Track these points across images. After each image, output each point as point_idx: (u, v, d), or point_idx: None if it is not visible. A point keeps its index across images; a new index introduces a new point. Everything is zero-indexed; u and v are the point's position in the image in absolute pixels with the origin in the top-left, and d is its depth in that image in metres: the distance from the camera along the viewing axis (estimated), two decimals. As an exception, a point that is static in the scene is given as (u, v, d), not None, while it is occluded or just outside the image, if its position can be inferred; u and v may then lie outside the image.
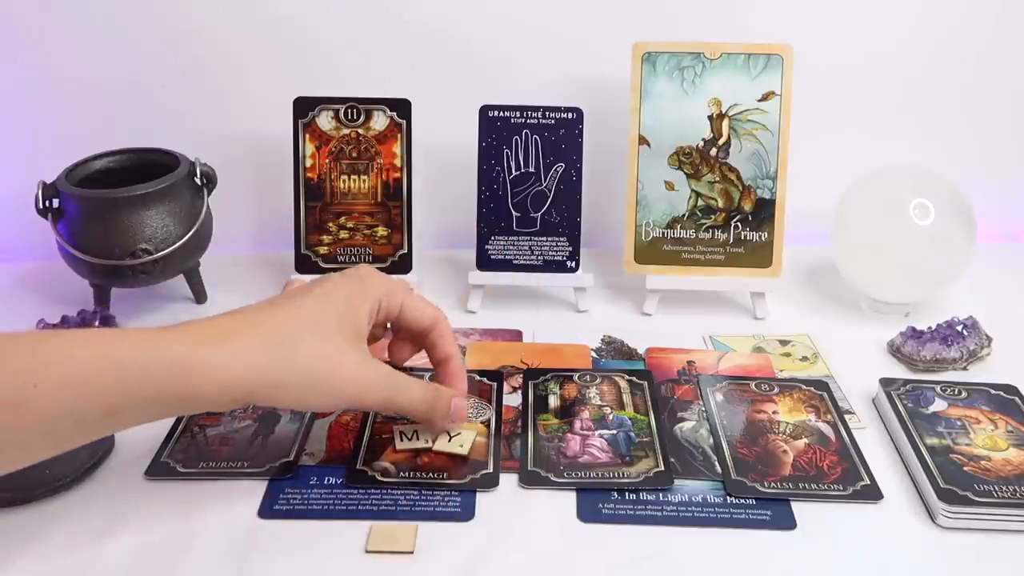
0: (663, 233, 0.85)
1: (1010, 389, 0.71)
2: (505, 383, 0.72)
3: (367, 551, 0.56)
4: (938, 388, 0.70)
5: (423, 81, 0.91)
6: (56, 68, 0.91)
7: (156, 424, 0.65)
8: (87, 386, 0.47)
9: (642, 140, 0.84)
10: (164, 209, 0.80)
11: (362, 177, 0.85)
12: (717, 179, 0.84)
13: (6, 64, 0.90)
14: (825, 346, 0.80)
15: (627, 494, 0.61)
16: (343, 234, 0.85)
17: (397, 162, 0.84)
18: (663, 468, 0.63)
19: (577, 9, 0.91)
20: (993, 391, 0.70)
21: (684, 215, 0.85)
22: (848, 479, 0.62)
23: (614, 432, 0.66)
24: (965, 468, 0.62)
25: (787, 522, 0.59)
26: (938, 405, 0.69)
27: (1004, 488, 0.60)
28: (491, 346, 0.79)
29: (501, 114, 0.84)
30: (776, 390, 0.72)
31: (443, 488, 0.61)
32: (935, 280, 0.83)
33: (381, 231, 0.85)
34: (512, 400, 0.71)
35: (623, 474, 0.62)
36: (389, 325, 0.64)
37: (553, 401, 0.70)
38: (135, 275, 0.79)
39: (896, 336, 0.79)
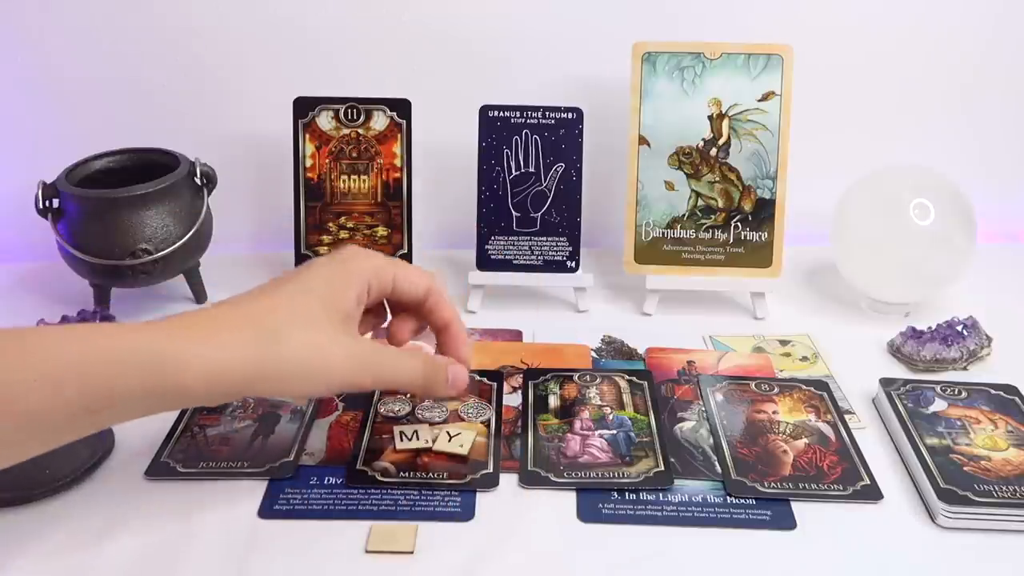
0: (663, 233, 0.85)
1: (1010, 389, 0.71)
2: (505, 383, 0.72)
3: (367, 551, 0.56)
4: (938, 388, 0.70)
5: (423, 81, 0.91)
6: (56, 68, 0.91)
7: (156, 424, 0.66)
8: (69, 382, 0.46)
9: (642, 140, 0.84)
10: (164, 209, 0.80)
11: (362, 177, 0.85)
12: (717, 179, 0.84)
13: (6, 64, 0.90)
14: (825, 346, 0.80)
15: (627, 494, 0.61)
16: (343, 234, 0.85)
17: (397, 162, 0.84)
18: (663, 468, 0.63)
19: (577, 9, 0.91)
20: (993, 391, 0.70)
21: (684, 215, 0.85)
22: (848, 479, 0.62)
23: (614, 432, 0.66)
24: (965, 468, 0.62)
25: (787, 522, 0.59)
26: (938, 405, 0.69)
27: (1004, 488, 0.60)
28: (491, 346, 0.79)
29: (501, 114, 0.84)
30: (776, 390, 0.72)
31: (443, 488, 0.61)
32: (935, 280, 0.83)
33: (381, 231, 0.85)
34: (512, 400, 0.71)
35: (623, 474, 0.62)
36: (386, 302, 0.63)
37: (553, 401, 0.70)
38: (135, 275, 0.79)
39: (896, 336, 0.79)
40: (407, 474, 0.62)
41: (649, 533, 0.58)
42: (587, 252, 0.88)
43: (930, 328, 0.78)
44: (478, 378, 0.73)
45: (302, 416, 0.68)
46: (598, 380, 0.72)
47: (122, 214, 0.78)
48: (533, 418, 0.68)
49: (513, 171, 0.84)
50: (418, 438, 0.65)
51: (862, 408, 0.71)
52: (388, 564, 0.55)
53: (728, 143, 0.84)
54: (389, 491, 0.60)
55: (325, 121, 0.84)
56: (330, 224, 0.85)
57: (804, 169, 0.86)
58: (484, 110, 0.84)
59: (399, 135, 0.84)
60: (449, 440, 0.64)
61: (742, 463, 0.64)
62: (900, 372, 0.76)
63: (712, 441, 0.66)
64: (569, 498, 0.61)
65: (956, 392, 0.70)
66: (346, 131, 0.84)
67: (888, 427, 0.69)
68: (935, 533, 0.59)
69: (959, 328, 0.77)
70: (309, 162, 0.84)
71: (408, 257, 0.85)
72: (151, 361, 0.48)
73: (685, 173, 0.84)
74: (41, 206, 0.79)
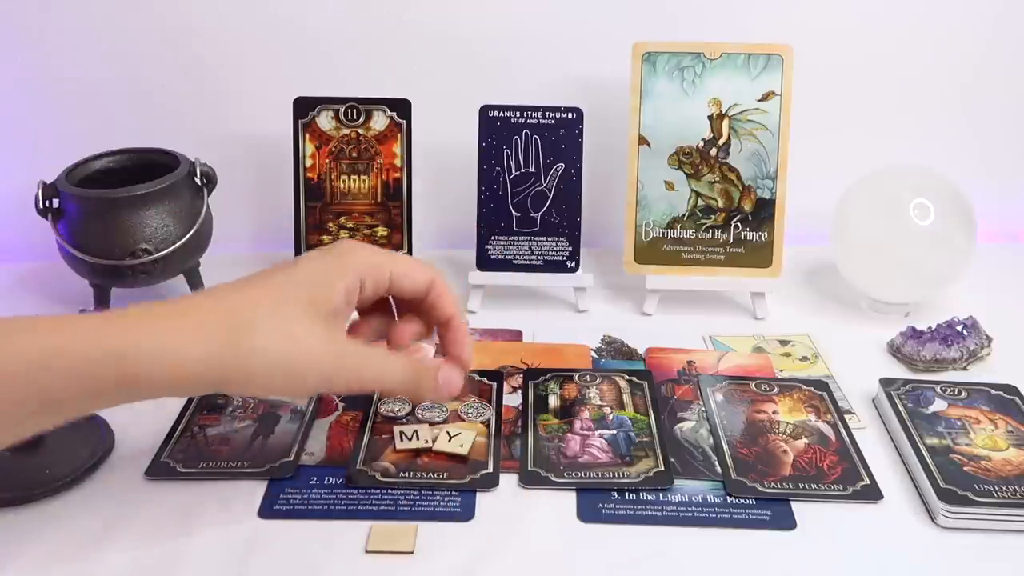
0: (663, 233, 0.85)
1: (1010, 389, 0.71)
2: (505, 383, 0.72)
3: (367, 551, 0.56)
4: (938, 388, 0.70)
5: (423, 81, 0.91)
6: (56, 68, 0.91)
7: (156, 424, 0.66)
8: (21, 378, 0.45)
9: (642, 140, 0.84)
10: (164, 209, 0.80)
11: (362, 177, 0.85)
12: (717, 179, 0.84)
13: (6, 64, 0.90)
14: (825, 346, 0.80)
15: (627, 494, 0.61)
16: (343, 234, 0.85)
17: (397, 162, 0.84)
18: (663, 468, 0.63)
19: (577, 9, 0.91)
20: (993, 391, 0.70)
21: (684, 215, 0.85)
22: (848, 479, 0.62)
23: (614, 432, 0.66)
24: (965, 468, 0.62)
25: (787, 522, 0.59)
26: (938, 405, 0.69)
27: (1004, 488, 0.60)
28: (491, 346, 0.79)
29: (501, 114, 0.84)
30: (776, 390, 0.72)
31: (443, 488, 0.61)
32: (935, 280, 0.83)
33: (381, 231, 0.85)
34: (512, 400, 0.71)
35: (623, 474, 0.62)
36: (392, 302, 0.61)
37: (553, 401, 0.70)
38: (135, 275, 0.79)
39: (896, 336, 0.79)
40: (407, 474, 0.62)
41: (649, 533, 0.58)
42: (587, 252, 0.88)
43: (930, 328, 0.78)
44: (478, 378, 0.73)
45: (302, 416, 0.68)
46: (598, 380, 0.72)
47: (122, 214, 0.78)
48: (533, 418, 0.68)
49: (513, 171, 0.84)
50: (418, 438, 0.65)
51: (862, 408, 0.71)
52: (388, 564, 0.55)
53: (728, 143, 0.84)
54: (389, 491, 0.61)
55: (325, 121, 0.84)
56: (330, 224, 0.85)
57: (804, 169, 0.86)
58: (484, 110, 0.84)
59: (399, 135, 0.84)
60: (449, 440, 0.64)
61: (742, 463, 0.64)
62: (900, 372, 0.76)
63: (712, 441, 0.66)
64: (569, 498, 0.61)
65: (956, 392, 0.70)
66: (346, 131, 0.84)
67: (888, 427, 0.69)
68: (935, 533, 0.59)
69: (959, 328, 0.77)
70: (309, 162, 0.84)
71: (408, 257, 0.85)
72: (114, 361, 0.47)
73: (685, 173, 0.84)
74: (41, 206, 0.79)
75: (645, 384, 0.72)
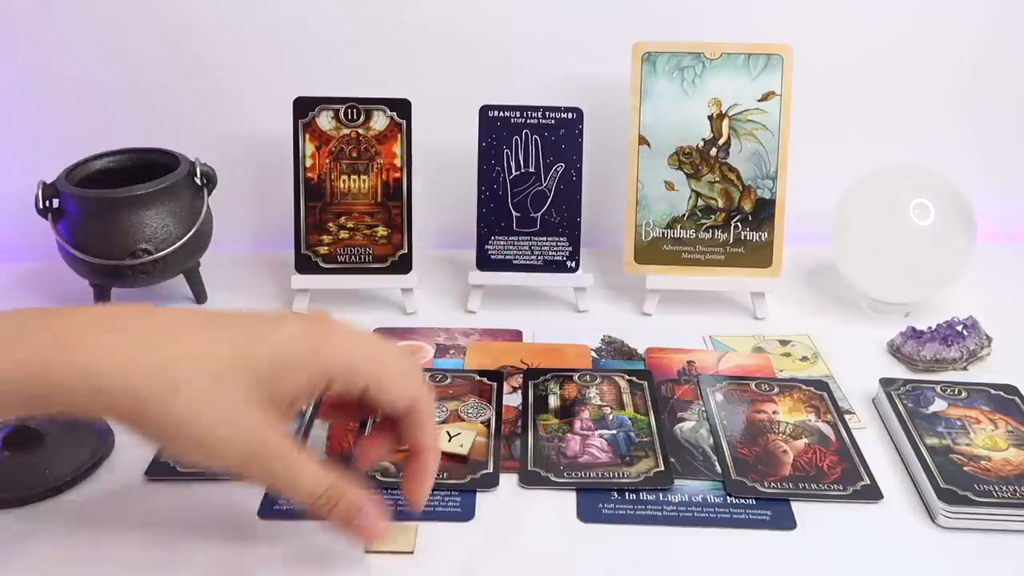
0: (663, 233, 0.85)
1: (1010, 389, 0.71)
2: (505, 383, 0.72)
3: (367, 551, 0.56)
4: (938, 388, 0.70)
5: (423, 81, 0.91)
6: (56, 68, 0.91)
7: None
8: None
9: (642, 140, 0.84)
10: (164, 209, 0.80)
11: (362, 177, 0.85)
12: (717, 179, 0.84)
13: (6, 64, 0.90)
14: (825, 346, 0.80)
15: (627, 494, 0.61)
16: (343, 234, 0.85)
17: (397, 162, 0.84)
18: (663, 468, 0.63)
19: (577, 9, 0.91)
20: (993, 391, 0.70)
21: (684, 215, 0.85)
22: (848, 479, 0.62)
23: (614, 432, 0.66)
24: (965, 468, 0.62)
25: (787, 522, 0.59)
26: (938, 405, 0.69)
27: (1004, 488, 0.60)
28: (491, 346, 0.79)
29: (501, 114, 0.84)
30: (776, 390, 0.72)
31: (443, 488, 0.61)
32: (935, 280, 0.83)
33: (381, 231, 0.85)
34: (512, 400, 0.71)
35: (623, 474, 0.62)
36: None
37: (553, 401, 0.70)
38: (135, 275, 0.79)
39: (896, 336, 0.79)
40: (407, 474, 0.62)
41: (649, 533, 0.58)
42: (587, 252, 0.88)
43: (930, 328, 0.78)
44: (478, 378, 0.73)
45: (302, 416, 0.68)
46: (598, 380, 0.72)
47: (122, 214, 0.78)
48: (533, 418, 0.68)
49: (513, 171, 0.84)
50: (418, 438, 0.65)
51: (862, 408, 0.71)
52: (388, 564, 0.55)
53: (728, 143, 0.84)
54: (389, 491, 0.60)
55: (325, 121, 0.84)
56: (330, 224, 0.85)
57: (804, 169, 0.86)
58: (484, 110, 0.84)
59: (399, 135, 0.84)
60: (449, 440, 0.64)
61: (742, 463, 0.64)
62: (900, 372, 0.76)
63: (712, 441, 0.66)
64: (569, 498, 0.61)
65: (956, 392, 0.70)
66: (346, 131, 0.84)
67: (888, 427, 0.69)
68: (935, 533, 0.59)
69: (959, 328, 0.77)
70: (309, 162, 0.84)
71: (408, 257, 0.85)
72: (30, 382, 0.44)
73: (685, 173, 0.84)
74: (41, 206, 0.79)
75: (645, 384, 0.72)
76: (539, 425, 0.67)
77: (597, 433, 0.66)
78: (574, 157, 0.84)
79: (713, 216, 0.85)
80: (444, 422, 0.67)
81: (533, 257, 0.85)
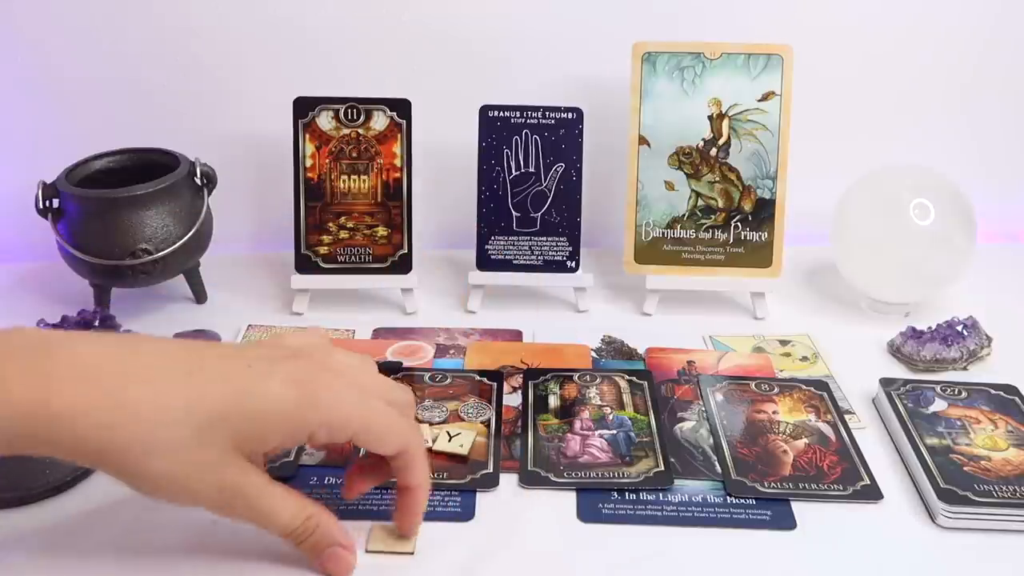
0: (663, 233, 0.85)
1: (1010, 389, 0.71)
2: (505, 383, 0.72)
3: (367, 551, 0.56)
4: (938, 388, 0.71)
5: (423, 81, 0.91)
6: (56, 68, 0.91)
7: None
8: None
9: (642, 140, 0.84)
10: (164, 209, 0.80)
11: (362, 177, 0.85)
12: (717, 179, 0.84)
13: (6, 64, 0.90)
14: (825, 346, 0.80)
15: (627, 494, 0.61)
16: (343, 234, 0.85)
17: (397, 162, 0.84)
18: (663, 468, 0.63)
19: (577, 9, 0.91)
20: (993, 391, 0.70)
21: (684, 215, 0.85)
22: (848, 479, 0.62)
23: (614, 432, 0.66)
24: (965, 468, 0.62)
25: (787, 522, 0.59)
26: (938, 405, 0.69)
27: (1004, 488, 0.60)
28: (491, 346, 0.79)
29: (501, 114, 0.84)
30: (776, 390, 0.72)
31: (443, 488, 0.61)
32: (935, 280, 0.83)
33: (381, 231, 0.85)
34: (512, 400, 0.71)
35: (623, 474, 0.62)
36: None
37: (553, 401, 0.70)
38: (135, 275, 0.79)
39: (896, 336, 0.79)
40: (407, 474, 0.62)
41: (649, 533, 0.58)
42: (587, 252, 0.88)
43: (930, 328, 0.78)
44: (478, 378, 0.73)
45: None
46: (598, 380, 0.72)
47: (122, 214, 0.78)
48: (533, 418, 0.68)
49: (513, 171, 0.84)
50: (418, 438, 0.65)
51: (862, 408, 0.71)
52: (388, 564, 0.55)
53: (728, 143, 0.84)
54: (389, 491, 0.60)
55: (325, 121, 0.84)
56: (330, 224, 0.85)
57: (804, 169, 0.86)
58: (484, 110, 0.84)
59: (399, 135, 0.84)
60: (449, 440, 0.64)
61: (742, 463, 0.64)
62: (900, 372, 0.76)
63: (712, 441, 0.66)
64: (569, 498, 0.61)
65: (956, 392, 0.70)
66: (346, 131, 0.84)
67: (888, 427, 0.69)
68: (935, 533, 0.59)
69: (959, 328, 0.77)
70: (309, 162, 0.84)
71: (408, 257, 0.85)
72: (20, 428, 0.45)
73: (685, 173, 0.84)
74: (41, 206, 0.79)
75: (645, 384, 0.72)
76: (539, 425, 0.67)
77: (597, 433, 0.66)
78: (574, 157, 0.84)
79: (713, 216, 0.85)
80: (444, 422, 0.67)
81: (533, 257, 0.85)
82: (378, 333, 0.82)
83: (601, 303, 0.88)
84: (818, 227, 0.89)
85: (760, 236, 0.84)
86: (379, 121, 0.84)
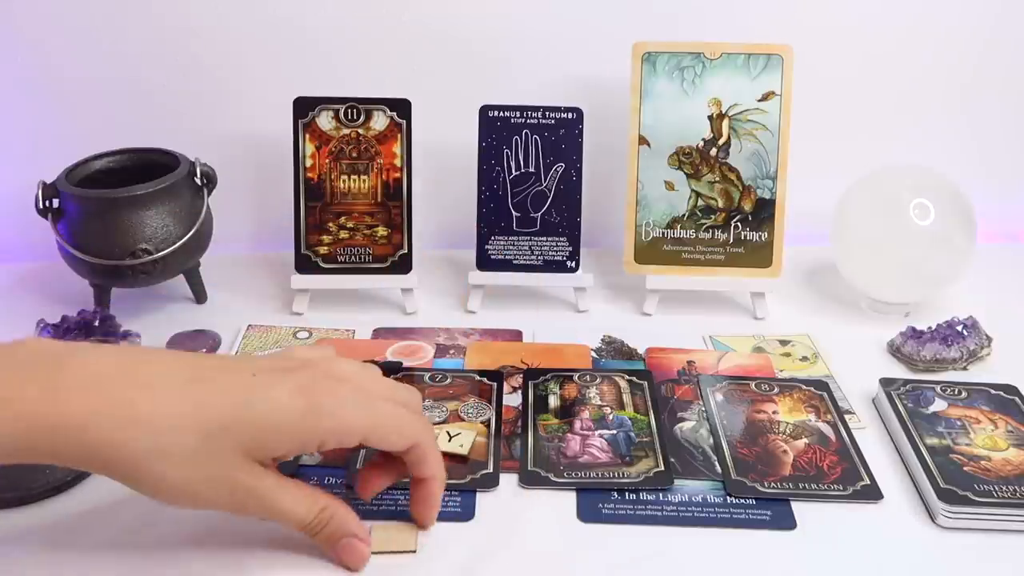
0: (663, 233, 0.85)
1: (1010, 389, 0.71)
2: (505, 383, 0.72)
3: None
4: (938, 388, 0.71)
5: (423, 81, 0.91)
6: (56, 68, 0.91)
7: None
8: None
9: (642, 140, 0.84)
10: (164, 209, 0.80)
11: (362, 177, 0.85)
12: (717, 179, 0.84)
13: (6, 64, 0.90)
14: (825, 346, 0.80)
15: (627, 494, 0.61)
16: (343, 234, 0.85)
17: (397, 162, 0.84)
18: (663, 468, 0.63)
19: (577, 9, 0.91)
20: (993, 391, 0.70)
21: (684, 215, 0.85)
22: (848, 479, 0.62)
23: (614, 432, 0.66)
24: (965, 468, 0.62)
25: (787, 522, 0.59)
26: (938, 405, 0.69)
27: (1004, 488, 0.60)
28: (491, 346, 0.79)
29: (501, 114, 0.84)
30: (776, 390, 0.72)
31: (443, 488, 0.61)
32: (935, 280, 0.83)
33: (381, 231, 0.85)
34: (512, 400, 0.71)
35: (623, 474, 0.62)
36: None
37: (553, 401, 0.70)
38: (135, 275, 0.79)
39: (896, 336, 0.79)
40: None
41: (649, 533, 0.58)
42: (587, 252, 0.88)
43: (930, 328, 0.78)
44: (478, 378, 0.73)
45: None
46: (598, 380, 0.72)
47: (122, 214, 0.78)
48: (533, 418, 0.68)
49: (513, 171, 0.84)
50: (418, 438, 0.65)
51: (862, 408, 0.71)
52: (388, 564, 0.55)
53: (728, 143, 0.84)
54: (389, 491, 0.60)
55: (325, 121, 0.84)
56: (330, 224, 0.85)
57: (804, 169, 0.86)
58: (484, 110, 0.84)
59: (399, 135, 0.84)
60: (449, 440, 0.64)
61: (742, 463, 0.64)
62: (900, 372, 0.76)
63: (712, 441, 0.66)
64: (569, 498, 0.61)
65: (956, 392, 0.70)
66: (346, 131, 0.84)
67: (888, 427, 0.69)
68: (935, 533, 0.59)
69: (959, 328, 0.77)
70: (309, 162, 0.84)
71: (408, 257, 0.85)
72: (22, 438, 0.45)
73: (685, 173, 0.84)
74: (41, 206, 0.79)
75: (645, 384, 0.72)
76: (539, 425, 0.67)
77: (597, 433, 0.66)
78: (574, 157, 0.84)
79: (713, 216, 0.85)
80: (444, 422, 0.67)
81: (533, 257, 0.85)
82: (378, 333, 0.82)
83: (601, 303, 0.88)
84: (818, 227, 0.89)
85: (760, 236, 0.84)
86: (379, 121, 0.84)
